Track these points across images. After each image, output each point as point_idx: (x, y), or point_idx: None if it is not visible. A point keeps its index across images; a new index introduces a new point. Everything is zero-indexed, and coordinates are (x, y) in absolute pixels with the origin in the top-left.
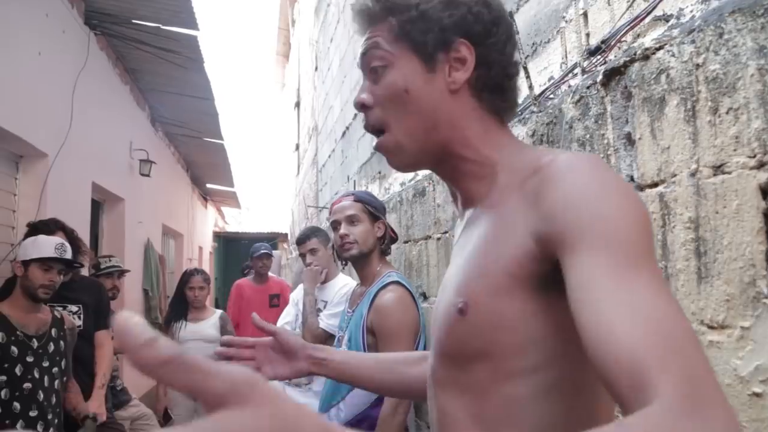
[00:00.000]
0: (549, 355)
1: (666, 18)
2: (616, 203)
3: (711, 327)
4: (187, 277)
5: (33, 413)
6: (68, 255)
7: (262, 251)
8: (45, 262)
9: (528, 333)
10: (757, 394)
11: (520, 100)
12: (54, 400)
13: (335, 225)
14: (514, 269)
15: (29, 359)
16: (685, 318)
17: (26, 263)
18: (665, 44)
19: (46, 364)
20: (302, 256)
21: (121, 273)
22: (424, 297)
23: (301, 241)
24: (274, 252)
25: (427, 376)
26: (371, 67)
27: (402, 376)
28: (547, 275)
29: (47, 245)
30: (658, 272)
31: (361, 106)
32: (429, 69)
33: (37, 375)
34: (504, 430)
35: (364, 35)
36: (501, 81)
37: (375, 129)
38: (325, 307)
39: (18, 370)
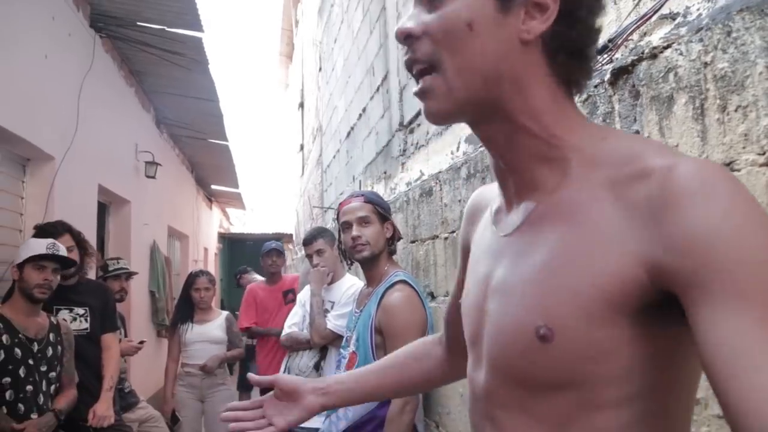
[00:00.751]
0: (645, 385)
1: (672, 16)
2: (763, 242)
3: None
4: (192, 278)
5: (34, 416)
6: (61, 253)
7: (271, 247)
8: (38, 262)
9: (623, 362)
10: None
11: None
12: (50, 404)
13: (346, 226)
14: (613, 294)
15: (30, 362)
16: None
17: (21, 266)
18: (673, 43)
19: (44, 368)
20: (309, 257)
21: (129, 275)
22: (432, 296)
23: (307, 242)
24: None
25: (476, 388)
26: None
27: (418, 372)
28: (652, 304)
29: (39, 245)
30: None
31: (406, 37)
32: (502, 8)
33: (37, 378)
34: None
35: None
36: (583, 43)
37: (422, 64)
38: (332, 307)
39: (22, 372)
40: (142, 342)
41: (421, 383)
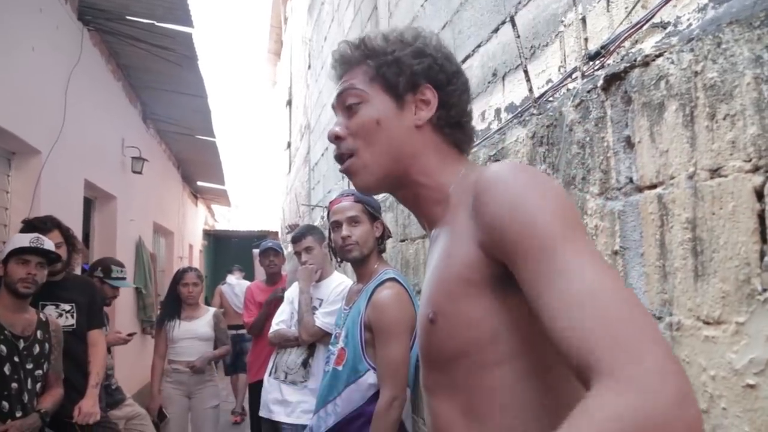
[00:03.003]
0: (517, 344)
1: (663, 25)
2: (530, 205)
3: (707, 323)
4: (180, 274)
5: (18, 413)
6: (46, 246)
7: (268, 246)
8: (21, 256)
9: (492, 327)
10: (751, 386)
11: (518, 102)
12: (35, 402)
13: (336, 225)
14: (467, 274)
15: (16, 359)
16: (609, 278)
17: (5, 261)
18: (665, 51)
19: (30, 366)
20: (297, 254)
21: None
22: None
23: (296, 240)
24: (254, 251)
25: (421, 385)
26: (347, 105)
27: None
28: (498, 275)
29: (22, 239)
30: (580, 246)
31: (335, 137)
32: (399, 106)
33: (22, 376)
34: (492, 419)
35: (340, 80)
36: (460, 119)
37: (345, 156)
38: (320, 305)
39: (7, 370)
40: (131, 334)
41: None
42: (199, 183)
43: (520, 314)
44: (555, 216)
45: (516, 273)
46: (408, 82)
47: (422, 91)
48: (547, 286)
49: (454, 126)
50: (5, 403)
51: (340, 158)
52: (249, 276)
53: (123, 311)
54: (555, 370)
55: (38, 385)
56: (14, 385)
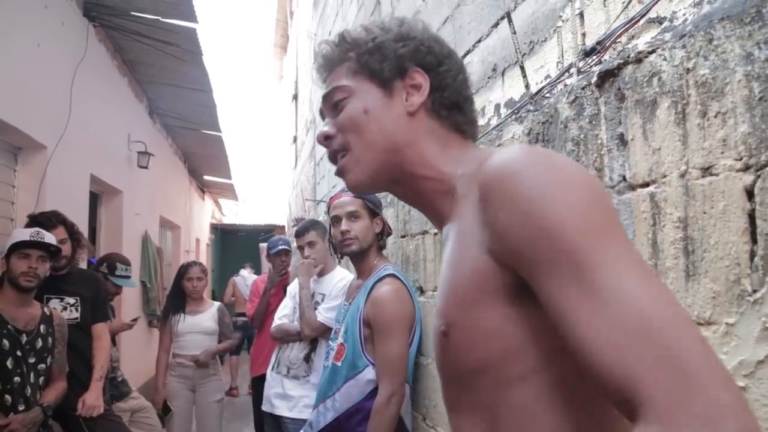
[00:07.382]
0: (544, 355)
1: (660, 20)
2: (551, 205)
3: (698, 323)
4: (184, 269)
5: (21, 407)
6: (47, 240)
7: (280, 247)
8: (22, 250)
9: (515, 338)
10: (740, 388)
11: (517, 97)
12: (38, 395)
13: (336, 220)
14: (478, 282)
15: (18, 353)
16: (659, 295)
17: (7, 256)
18: (658, 48)
19: (32, 360)
20: (300, 248)
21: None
22: (421, 291)
23: (299, 234)
24: (260, 245)
25: (443, 400)
26: (333, 102)
27: None
28: (514, 284)
29: (23, 233)
30: (616, 254)
31: (325, 138)
32: (387, 94)
33: (25, 370)
34: None
35: (324, 81)
36: (457, 100)
37: (337, 153)
38: (323, 300)
39: (9, 364)
40: (135, 319)
41: None
42: (206, 177)
43: (543, 324)
44: (583, 218)
45: (537, 288)
46: (393, 66)
47: (410, 75)
48: (579, 308)
49: (451, 108)
50: (8, 397)
51: (333, 158)
52: (258, 271)
53: (129, 305)
54: (579, 381)
55: (41, 379)
56: (17, 378)
